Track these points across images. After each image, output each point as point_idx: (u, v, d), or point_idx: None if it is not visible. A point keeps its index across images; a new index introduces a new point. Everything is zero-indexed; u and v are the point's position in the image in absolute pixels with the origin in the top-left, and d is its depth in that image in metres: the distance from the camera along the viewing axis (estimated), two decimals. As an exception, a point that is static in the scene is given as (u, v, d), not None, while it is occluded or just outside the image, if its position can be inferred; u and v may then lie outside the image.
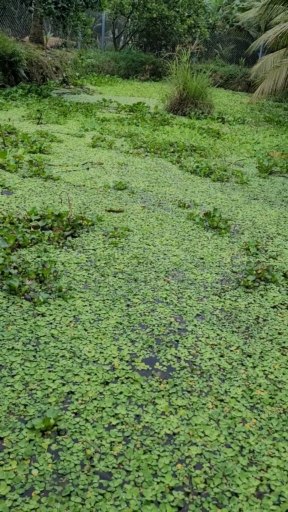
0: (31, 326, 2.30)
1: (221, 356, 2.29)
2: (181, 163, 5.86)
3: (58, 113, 8.14)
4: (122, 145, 6.44)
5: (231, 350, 2.34)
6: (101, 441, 1.70)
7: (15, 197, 3.98)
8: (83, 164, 5.26)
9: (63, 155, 5.54)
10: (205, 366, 2.20)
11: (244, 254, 3.50)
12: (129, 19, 16.50)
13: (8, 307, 2.42)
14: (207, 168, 5.61)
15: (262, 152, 6.96)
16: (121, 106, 9.61)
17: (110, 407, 1.86)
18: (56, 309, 2.48)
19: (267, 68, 12.85)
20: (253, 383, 2.11)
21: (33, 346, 2.17)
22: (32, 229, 3.33)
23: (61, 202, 3.95)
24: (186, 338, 2.39)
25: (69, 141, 6.27)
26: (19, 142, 5.66)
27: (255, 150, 7.12)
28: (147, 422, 1.82)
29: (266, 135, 8.60)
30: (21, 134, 6.00)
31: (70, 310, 2.49)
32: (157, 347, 2.29)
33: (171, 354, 2.25)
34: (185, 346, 2.33)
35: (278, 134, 8.79)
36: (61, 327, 2.34)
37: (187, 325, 2.51)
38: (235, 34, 19.36)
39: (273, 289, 3.00)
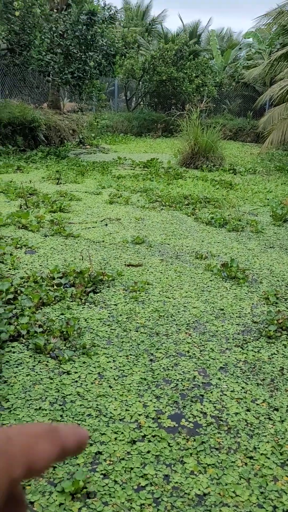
0: (57, 384, 2.33)
1: (248, 410, 2.26)
2: (196, 215, 6.01)
3: (76, 172, 8.50)
4: (138, 200, 6.65)
5: (257, 404, 2.31)
6: (131, 503, 1.68)
7: (38, 256, 4.13)
8: (101, 221, 5.44)
9: (82, 213, 5.74)
10: (232, 421, 2.17)
11: (264, 304, 3.51)
12: (140, 82, 17.47)
13: (34, 366, 2.47)
14: (222, 219, 5.73)
15: (275, 201, 7.09)
16: (136, 163, 9.99)
17: (138, 467, 1.85)
18: (81, 366, 2.51)
19: (274, 120, 13.31)
20: (282, 438, 2.08)
21: (59, 405, 2.19)
22: (55, 287, 3.42)
23: (82, 259, 4.08)
24: (211, 392, 2.38)
25: (87, 199, 6.52)
26: (40, 202, 5.91)
27: (268, 199, 7.26)
28: (177, 482, 1.80)
29: (277, 183, 8.78)
30: (42, 194, 6.27)
31: (94, 367, 2.52)
32: (182, 403, 2.29)
33: (196, 410, 2.24)
34: (210, 400, 2.32)
35: (290, 182, 8.97)
36: (87, 384, 2.36)
37: (211, 379, 2.50)
38: (241, 90, 20.24)
39: (296, 339, 2.98)
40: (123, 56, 15.44)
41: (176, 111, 16.47)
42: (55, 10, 11.04)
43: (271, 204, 6.90)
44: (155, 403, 2.27)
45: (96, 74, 9.81)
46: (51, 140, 11.30)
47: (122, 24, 19.83)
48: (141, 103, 19.11)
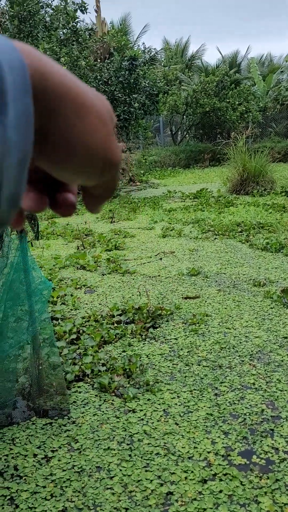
0: (123, 423, 2.35)
1: None
2: (250, 242, 5.93)
3: (128, 210, 8.73)
4: (190, 232, 6.69)
5: None
6: None
7: (97, 294, 4.24)
8: (156, 255, 5.52)
9: (137, 249, 5.86)
10: (307, 456, 2.07)
11: None
12: (184, 116, 17.87)
13: (100, 405, 2.51)
14: (278, 243, 5.62)
15: None
16: (186, 195, 10.11)
17: (211, 508, 1.80)
18: (145, 403, 2.52)
19: None
20: None
21: (127, 444, 2.19)
22: (115, 325, 3.49)
23: (140, 295, 4.14)
24: (281, 426, 2.29)
25: (141, 235, 6.65)
26: (96, 242, 6.11)
27: None
28: (252, 523, 1.73)
29: None
30: (97, 234, 6.49)
31: (159, 404, 2.51)
32: (252, 438, 2.22)
33: (267, 445, 2.16)
34: (281, 435, 2.23)
35: None
36: (153, 422, 2.36)
37: (280, 412, 2.41)
38: (287, 111, 20.09)
39: None
40: (165, 94, 15.93)
41: (222, 140, 16.60)
42: (98, 60, 11.71)
43: None
44: (223, 439, 2.22)
45: (141, 114, 10.18)
46: (103, 181, 11.72)
47: (162, 64, 20.56)
48: (187, 135, 19.46)
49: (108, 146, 0.32)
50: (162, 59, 21.71)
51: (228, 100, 16.71)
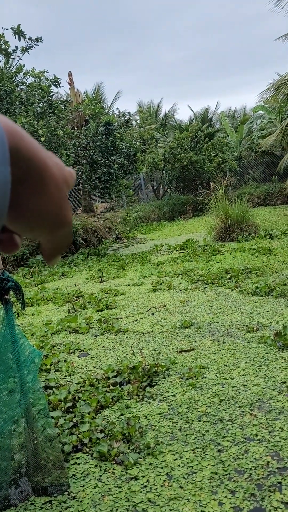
0: (126, 493, 2.25)
1: None
2: (240, 287, 5.97)
3: (117, 267, 8.80)
4: (180, 283, 6.73)
5: None
6: None
7: (91, 357, 4.18)
8: (147, 311, 5.51)
9: (128, 306, 5.85)
10: None
11: None
12: (164, 172, 18.48)
13: (101, 475, 2.41)
14: (267, 287, 5.66)
15: None
16: (172, 247, 10.25)
17: None
18: (147, 468, 2.43)
19: (300, 179, 13.51)
20: None
21: (131, 515, 2.10)
22: (111, 387, 3.42)
23: (133, 353, 4.09)
24: (289, 477, 2.22)
25: (131, 291, 6.67)
26: (87, 303, 6.10)
27: (310, 258, 7.15)
28: None
29: None
30: (88, 295, 6.49)
31: (162, 467, 2.43)
32: (260, 494, 2.13)
33: (277, 500, 2.08)
34: (290, 487, 2.15)
35: None
36: (156, 488, 2.27)
37: (286, 462, 2.34)
38: (261, 158, 20.90)
39: None
40: (143, 153, 16.56)
41: (202, 191, 17.09)
42: (76, 128, 12.26)
43: (314, 262, 6.78)
44: (230, 498, 2.13)
45: (121, 174, 10.53)
46: (90, 241, 11.90)
47: (138, 125, 21.54)
48: (168, 189, 20.03)
49: (60, 208, 0.37)
50: (137, 120, 22.77)
51: (204, 153, 17.40)
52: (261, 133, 20.63)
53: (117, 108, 13.78)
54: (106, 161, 10.25)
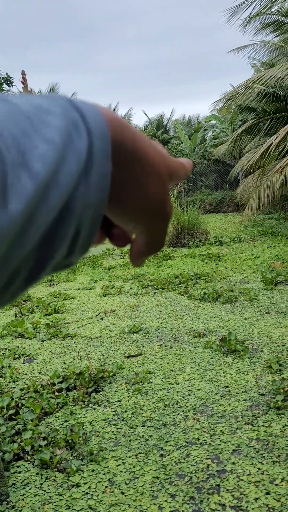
0: (67, 500, 2.24)
1: (267, 493, 2.16)
2: (188, 293, 6.09)
3: (67, 271, 8.70)
4: (130, 288, 6.76)
5: (276, 485, 2.21)
6: None
7: (37, 363, 4.11)
8: (97, 315, 5.50)
9: (77, 310, 5.81)
10: (253, 509, 2.07)
11: (268, 373, 3.47)
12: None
13: (42, 484, 2.38)
14: (215, 293, 5.81)
15: (263, 265, 7.24)
16: (125, 251, 10.27)
17: None
18: (90, 475, 2.42)
19: (249, 188, 13.97)
20: (307, 519, 1.97)
21: (71, 523, 2.08)
22: (56, 393, 3.38)
23: (80, 359, 4.07)
24: (227, 480, 2.29)
25: (81, 296, 6.62)
26: (35, 307, 5.99)
27: (256, 265, 7.41)
28: None
29: (263, 248, 9.01)
30: (36, 299, 6.38)
31: (104, 474, 2.43)
32: (199, 497, 2.19)
33: (214, 503, 2.14)
34: (227, 489, 2.22)
35: (275, 244, 9.21)
36: (98, 495, 2.27)
37: (225, 465, 2.41)
38: (214, 166, 21.42)
39: (305, 405, 2.92)
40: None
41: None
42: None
43: (260, 269, 7.04)
44: (170, 502, 2.17)
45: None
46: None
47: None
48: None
49: (163, 200, 0.36)
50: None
51: (158, 159, 17.57)
52: (214, 142, 21.16)
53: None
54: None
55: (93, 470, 2.46)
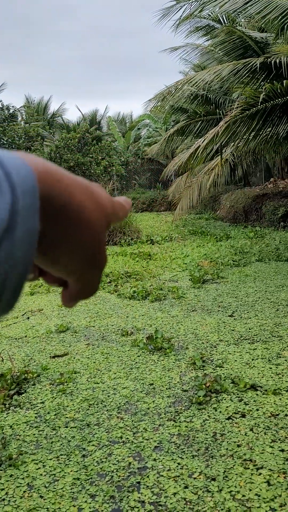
0: (-19, 509, 2.15)
1: (186, 487, 2.22)
2: (118, 291, 6.10)
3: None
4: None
5: (194, 478, 2.28)
6: None
7: None
8: (23, 315, 5.34)
9: (3, 310, 5.60)
10: (171, 503, 2.11)
11: (192, 369, 3.56)
12: (50, 171, 18.05)
13: None
14: (144, 291, 5.87)
15: (192, 264, 7.44)
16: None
17: None
18: (8, 481, 2.34)
19: (181, 188, 14.29)
20: (222, 509, 2.04)
21: (-15, 532, 2.00)
22: (-25, 397, 3.23)
23: (3, 360, 3.93)
24: (148, 476, 2.32)
25: (7, 294, 6.39)
26: None
27: (185, 264, 7.59)
28: None
29: (193, 247, 9.26)
30: None
31: (23, 478, 2.36)
32: (118, 496, 2.19)
33: (134, 500, 2.16)
34: (147, 486, 2.25)
35: (204, 243, 9.50)
36: (15, 500, 2.20)
37: (147, 462, 2.44)
38: (147, 165, 21.67)
39: (224, 399, 3.03)
40: (28, 150, 16.03)
41: (89, 193, 17.05)
42: None
43: (189, 268, 7.22)
44: (90, 503, 2.15)
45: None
46: None
47: (23, 121, 20.79)
48: (54, 189, 19.62)
49: (98, 250, 0.35)
50: (24, 116, 21.99)
51: (91, 155, 17.44)
52: (147, 141, 21.40)
53: (1, 101, 13.12)
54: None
55: (11, 475, 2.39)
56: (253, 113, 7.20)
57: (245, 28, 9.20)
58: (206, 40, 12.82)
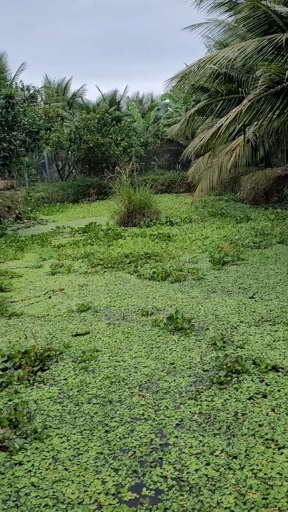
0: (9, 479, 2.22)
1: (207, 464, 2.25)
2: (138, 272, 6.11)
3: (15, 249, 8.48)
4: (80, 267, 6.70)
5: (216, 456, 2.30)
6: None
7: (-19, 342, 4.00)
8: (44, 294, 5.41)
9: (24, 289, 5.69)
10: (193, 479, 2.14)
11: (212, 350, 3.57)
12: (69, 152, 18.09)
13: (-17, 463, 2.34)
14: (164, 272, 5.87)
15: (212, 246, 7.39)
16: (75, 230, 10.13)
17: None
18: (33, 453, 2.41)
19: (201, 169, 14.11)
20: (243, 487, 2.07)
21: (13, 501, 2.07)
22: (0, 372, 3.31)
23: (26, 338, 4.00)
24: (169, 453, 2.35)
25: (29, 274, 6.48)
26: (-20, 285, 5.80)
27: (205, 245, 7.55)
28: None
29: (213, 228, 9.18)
30: (-19, 277, 6.17)
31: (48, 451, 2.42)
32: (141, 471, 2.24)
33: (156, 475, 2.19)
34: (169, 462, 2.28)
35: (223, 225, 9.41)
36: (41, 472, 2.26)
37: (168, 439, 2.47)
38: (167, 146, 21.41)
39: (246, 380, 3.04)
40: (48, 130, 16.01)
41: (108, 174, 17.09)
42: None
43: (208, 249, 7.18)
44: (113, 477, 2.20)
45: (22, 152, 10.07)
46: (-13, 220, 11.26)
47: (43, 101, 20.73)
48: (73, 171, 19.66)
49: None
50: (43, 96, 21.91)
51: (110, 136, 17.33)
52: (167, 121, 21.11)
53: (21, 81, 13.08)
54: (7, 136, 9.73)
55: (37, 448, 2.45)
56: (278, 91, 7.00)
57: (270, 2, 8.90)
58: (229, 16, 12.46)
